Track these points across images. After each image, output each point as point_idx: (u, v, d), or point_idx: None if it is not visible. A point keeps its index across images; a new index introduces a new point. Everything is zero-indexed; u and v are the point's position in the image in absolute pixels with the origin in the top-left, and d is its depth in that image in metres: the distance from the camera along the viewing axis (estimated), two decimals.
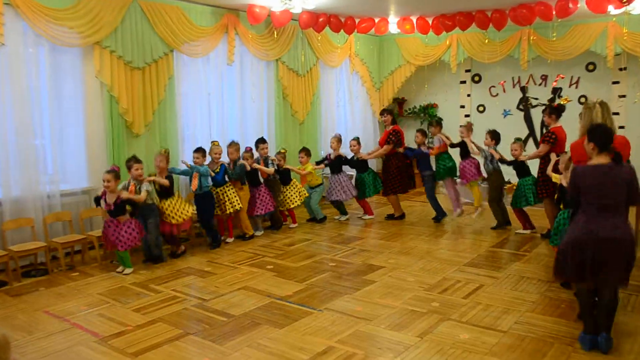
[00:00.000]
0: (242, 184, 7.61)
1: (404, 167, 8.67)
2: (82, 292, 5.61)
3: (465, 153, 8.15)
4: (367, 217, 8.98)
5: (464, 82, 11.59)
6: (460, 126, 8.30)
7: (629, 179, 4.00)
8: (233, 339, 4.42)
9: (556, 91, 10.53)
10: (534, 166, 7.48)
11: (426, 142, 8.71)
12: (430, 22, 9.51)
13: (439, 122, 8.66)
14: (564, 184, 5.11)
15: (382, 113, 8.93)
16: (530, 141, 10.68)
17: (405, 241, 7.48)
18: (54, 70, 6.61)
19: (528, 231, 7.74)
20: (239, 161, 7.53)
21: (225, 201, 7.37)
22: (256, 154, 8.03)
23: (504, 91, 11.02)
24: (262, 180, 7.98)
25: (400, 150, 8.61)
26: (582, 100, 10.19)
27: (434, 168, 8.50)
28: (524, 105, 10.94)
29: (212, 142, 7.47)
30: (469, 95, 11.58)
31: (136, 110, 7.20)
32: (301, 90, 9.82)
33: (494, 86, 11.17)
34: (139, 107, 7.24)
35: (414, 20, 9.61)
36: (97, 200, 6.22)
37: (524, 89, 10.91)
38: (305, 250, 7.09)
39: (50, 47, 6.49)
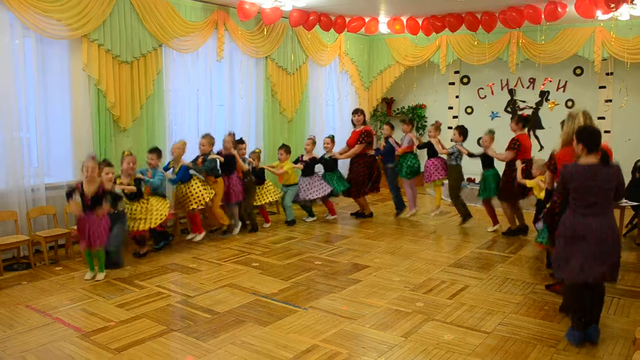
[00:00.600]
0: (216, 176, 7.34)
1: (371, 167, 8.68)
2: (65, 287, 5.56)
3: (432, 152, 8.39)
4: (330, 217, 8.86)
5: (452, 83, 11.64)
6: (431, 125, 8.53)
7: (617, 180, 4.19)
8: (217, 336, 4.40)
9: (544, 94, 10.61)
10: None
11: (392, 135, 8.87)
12: (420, 23, 9.54)
13: (411, 121, 8.77)
14: (549, 187, 5.28)
15: (355, 112, 8.82)
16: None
17: (391, 241, 7.49)
18: (40, 63, 6.53)
19: (497, 226, 8.06)
20: (210, 155, 7.24)
21: (189, 198, 7.08)
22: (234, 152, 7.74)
23: (492, 93, 11.08)
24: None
25: (371, 152, 8.68)
26: (569, 104, 10.29)
27: (398, 164, 8.68)
28: (512, 107, 11.00)
29: (179, 140, 7.24)
30: (457, 97, 11.62)
31: (123, 104, 7.14)
32: (290, 88, 9.80)
33: (482, 88, 11.23)
34: (127, 102, 7.18)
35: (404, 21, 9.63)
36: (70, 194, 5.72)
37: (512, 92, 10.97)
38: (291, 249, 7.08)
39: (37, 39, 6.42)
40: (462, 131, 8.14)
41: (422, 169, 8.59)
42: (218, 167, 7.41)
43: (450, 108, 11.70)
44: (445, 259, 6.63)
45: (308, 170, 8.52)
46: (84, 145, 6.82)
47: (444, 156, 8.28)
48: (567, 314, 4.70)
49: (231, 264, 6.41)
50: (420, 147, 8.53)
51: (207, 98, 8.52)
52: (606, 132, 9.71)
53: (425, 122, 11.92)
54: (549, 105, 10.49)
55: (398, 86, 11.99)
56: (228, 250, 6.99)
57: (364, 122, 8.74)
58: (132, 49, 7.18)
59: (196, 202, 7.12)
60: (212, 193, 7.24)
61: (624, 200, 7.18)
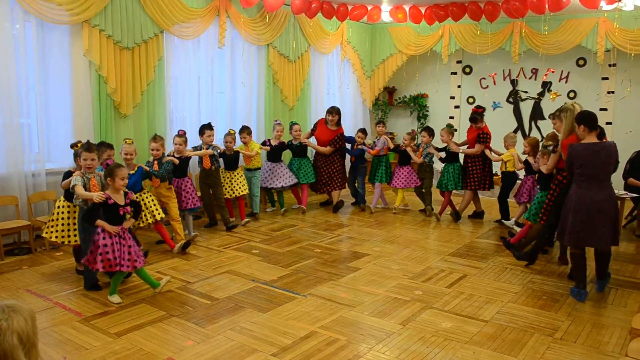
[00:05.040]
0: (170, 183, 6.56)
1: (339, 169, 8.69)
2: (66, 272, 5.58)
3: (403, 159, 8.47)
4: (296, 206, 8.75)
5: (454, 73, 11.60)
6: (406, 134, 8.60)
7: (616, 157, 4.92)
8: (216, 322, 4.43)
9: (546, 85, 10.58)
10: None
11: (366, 141, 8.89)
12: (423, 12, 9.51)
13: (384, 123, 8.82)
14: (544, 170, 5.97)
15: (330, 112, 8.60)
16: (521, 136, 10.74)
17: (390, 229, 7.51)
18: (41, 48, 6.51)
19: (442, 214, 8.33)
20: (165, 158, 6.43)
21: (144, 210, 6.02)
22: (199, 142, 7.35)
23: (495, 83, 11.05)
24: (189, 172, 7.07)
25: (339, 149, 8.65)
26: (572, 95, 10.25)
27: (371, 167, 8.81)
28: (514, 98, 10.97)
29: (124, 139, 6.09)
30: (459, 87, 11.59)
31: (124, 90, 7.13)
32: (292, 76, 9.78)
33: (484, 78, 11.19)
34: (128, 88, 7.17)
35: (407, 9, 9.59)
36: (94, 214, 4.75)
37: (514, 82, 10.94)
38: (291, 236, 7.10)
39: (37, 24, 6.39)
40: (430, 132, 8.37)
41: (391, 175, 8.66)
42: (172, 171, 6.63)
43: (452, 98, 11.67)
44: (444, 248, 6.65)
45: (275, 155, 8.33)
46: (85, 131, 6.81)
47: (419, 161, 8.40)
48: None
49: (231, 250, 6.43)
50: (393, 150, 8.63)
51: (208, 85, 8.50)
52: (608, 123, 9.70)
53: (427, 111, 11.91)
54: (551, 96, 10.46)
55: (400, 75, 11.96)
56: (228, 237, 7.01)
57: (338, 123, 8.61)
58: (133, 35, 7.15)
59: (152, 217, 6.14)
60: (160, 213, 6.19)
61: (624, 192, 7.21)
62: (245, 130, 7.95)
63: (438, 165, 8.74)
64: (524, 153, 7.23)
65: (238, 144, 7.91)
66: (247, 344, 4.05)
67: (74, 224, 5.40)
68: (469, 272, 5.78)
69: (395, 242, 6.88)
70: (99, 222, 4.74)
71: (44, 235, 5.51)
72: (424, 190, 8.48)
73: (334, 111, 8.60)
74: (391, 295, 5.07)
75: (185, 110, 8.20)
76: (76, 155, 5.24)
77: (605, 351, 4.02)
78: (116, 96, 7.02)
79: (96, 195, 4.72)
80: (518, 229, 7.43)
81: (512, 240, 6.48)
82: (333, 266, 5.92)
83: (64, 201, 5.45)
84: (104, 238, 4.71)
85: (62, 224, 5.43)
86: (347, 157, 8.93)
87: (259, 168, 8.08)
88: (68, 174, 5.26)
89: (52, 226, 5.43)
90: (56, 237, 5.42)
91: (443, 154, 8.19)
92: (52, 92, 6.71)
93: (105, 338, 4.12)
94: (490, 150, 7.91)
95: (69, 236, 5.43)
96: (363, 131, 8.84)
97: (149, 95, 7.49)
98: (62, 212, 5.44)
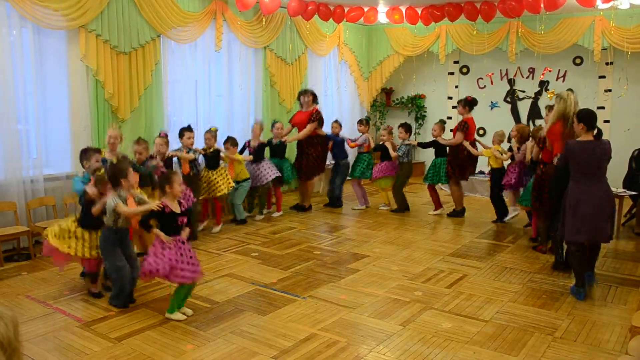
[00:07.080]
0: (153, 188, 6.09)
1: (324, 147, 8.56)
2: (65, 277, 5.57)
3: (385, 156, 8.52)
4: (276, 214, 8.37)
5: (452, 73, 11.61)
6: (383, 129, 8.72)
7: (610, 154, 5.01)
8: (216, 326, 4.43)
9: (543, 84, 10.59)
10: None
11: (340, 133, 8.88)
12: (419, 13, 9.51)
13: (367, 122, 8.91)
14: (535, 158, 6.14)
15: (303, 93, 8.43)
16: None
17: (389, 231, 7.51)
18: (38, 54, 6.51)
19: (439, 210, 8.48)
20: (149, 162, 6.19)
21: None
22: (179, 144, 7.00)
23: (492, 83, 11.05)
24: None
25: (322, 132, 8.47)
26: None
27: (353, 163, 8.84)
28: (511, 97, 10.99)
29: (110, 124, 6.22)
30: (456, 87, 11.60)
31: (122, 95, 7.13)
32: (289, 78, 9.79)
33: (481, 78, 11.20)
34: (125, 92, 7.17)
35: (403, 10, 9.60)
36: (148, 222, 4.57)
37: (511, 82, 10.95)
38: (291, 239, 7.10)
39: (34, 29, 6.39)
40: (407, 128, 8.41)
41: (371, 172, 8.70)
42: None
43: (450, 98, 11.68)
44: (443, 249, 6.65)
45: (257, 155, 8.03)
46: (83, 136, 6.81)
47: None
48: (560, 270, 5.70)
49: (230, 254, 6.43)
50: (375, 149, 8.67)
51: (206, 89, 8.50)
52: (606, 121, 9.69)
53: (425, 112, 11.92)
54: (549, 95, 10.36)
55: (397, 76, 11.96)
56: (227, 240, 7.01)
57: (315, 101, 8.45)
58: (130, 40, 7.16)
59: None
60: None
61: (623, 190, 7.22)
62: (228, 140, 7.58)
63: (428, 161, 8.77)
64: (511, 137, 7.36)
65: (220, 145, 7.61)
66: (248, 347, 4.05)
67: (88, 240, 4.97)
68: (468, 272, 5.78)
69: (394, 243, 6.88)
70: (155, 230, 4.48)
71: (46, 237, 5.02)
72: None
73: (306, 92, 8.42)
74: (391, 297, 5.07)
75: (183, 114, 8.20)
76: (98, 182, 4.86)
77: (605, 349, 4.03)
78: (114, 101, 7.03)
79: (155, 204, 4.41)
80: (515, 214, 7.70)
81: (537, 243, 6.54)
82: (333, 268, 5.92)
83: (73, 223, 4.98)
84: (162, 248, 4.41)
85: (70, 237, 4.94)
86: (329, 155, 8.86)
87: (248, 179, 7.72)
88: (84, 192, 4.89)
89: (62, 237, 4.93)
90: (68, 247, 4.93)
91: (417, 141, 8.41)
92: (50, 98, 6.71)
93: (105, 343, 4.12)
94: (477, 142, 8.03)
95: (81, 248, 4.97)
96: (338, 122, 8.86)
97: (146, 99, 7.49)
98: (72, 231, 4.95)
